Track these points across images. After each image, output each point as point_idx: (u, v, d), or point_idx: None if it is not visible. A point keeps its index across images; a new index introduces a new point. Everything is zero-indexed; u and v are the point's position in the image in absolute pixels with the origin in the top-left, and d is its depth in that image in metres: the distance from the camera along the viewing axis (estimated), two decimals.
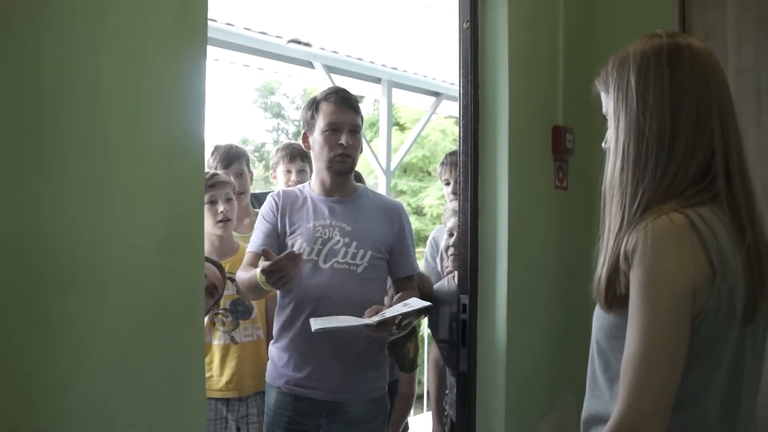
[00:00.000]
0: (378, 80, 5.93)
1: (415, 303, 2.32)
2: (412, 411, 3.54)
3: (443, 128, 12.14)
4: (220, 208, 2.81)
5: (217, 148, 3.26)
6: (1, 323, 1.36)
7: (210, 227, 2.81)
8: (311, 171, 3.42)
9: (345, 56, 5.41)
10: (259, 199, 3.82)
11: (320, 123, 2.48)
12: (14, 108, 1.37)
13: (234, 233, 3.02)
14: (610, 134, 1.42)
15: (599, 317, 1.39)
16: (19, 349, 1.38)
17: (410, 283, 2.62)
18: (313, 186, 2.60)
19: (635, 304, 1.26)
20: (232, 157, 3.17)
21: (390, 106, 6.05)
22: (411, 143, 6.97)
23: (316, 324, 2.23)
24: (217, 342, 2.77)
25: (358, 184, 2.68)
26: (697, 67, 1.34)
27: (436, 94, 6.53)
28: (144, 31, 1.57)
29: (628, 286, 1.28)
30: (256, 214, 3.28)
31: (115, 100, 1.52)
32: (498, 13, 2.70)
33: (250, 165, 3.38)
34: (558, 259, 2.99)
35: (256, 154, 16.06)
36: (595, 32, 3.19)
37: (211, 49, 4.26)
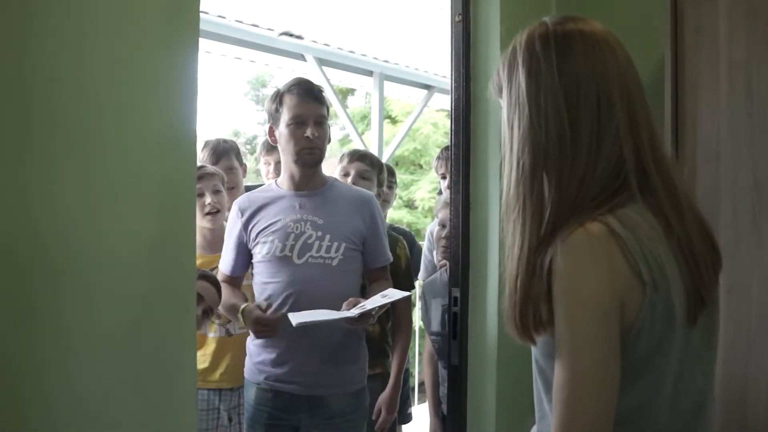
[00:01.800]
0: (370, 73, 5.93)
1: (394, 294, 2.32)
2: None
3: (435, 121, 12.13)
4: (208, 200, 2.78)
5: (206, 143, 3.25)
6: None
7: (199, 220, 2.79)
8: (237, 156, 3.41)
9: (337, 49, 5.40)
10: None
11: (285, 116, 2.44)
12: (5, 100, 1.36)
13: None
14: (505, 143, 1.25)
15: None
16: (9, 340, 1.37)
17: (384, 273, 2.62)
18: (281, 182, 2.57)
19: (560, 328, 1.13)
20: (220, 152, 3.15)
21: (382, 98, 6.05)
22: (403, 136, 6.97)
23: (296, 319, 2.21)
24: (212, 335, 2.77)
25: (328, 176, 2.65)
26: (592, 54, 1.21)
27: (428, 87, 6.53)
28: (136, 23, 1.56)
29: (549, 309, 1.15)
30: None
31: (107, 93, 1.51)
32: (490, 7, 2.69)
33: (242, 158, 3.36)
34: None
35: (248, 146, 16.00)
36: None
37: (202, 42, 4.24)
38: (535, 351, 1.26)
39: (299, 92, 2.44)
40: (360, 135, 6.30)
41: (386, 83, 6.10)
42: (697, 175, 2.40)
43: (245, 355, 2.78)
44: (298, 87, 2.45)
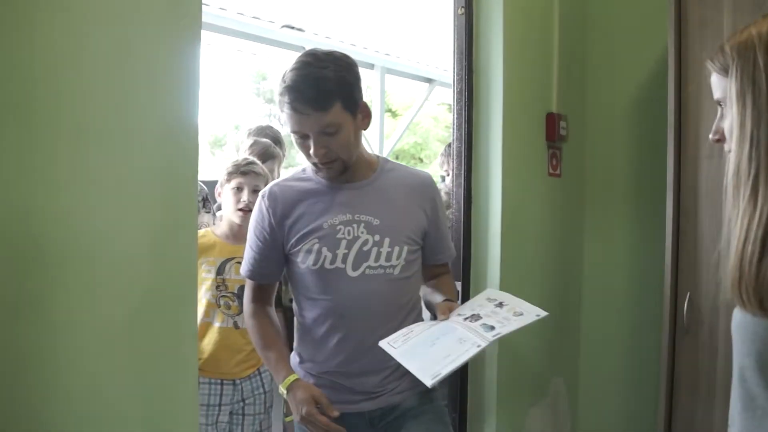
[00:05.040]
0: (371, 66, 5.91)
1: (528, 313, 1.84)
2: None
3: (435, 115, 12.14)
4: (244, 197, 2.78)
5: (256, 142, 3.26)
6: None
7: (230, 212, 2.82)
8: (278, 166, 3.37)
9: (338, 42, 5.39)
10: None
11: (286, 124, 1.94)
12: (5, 93, 1.36)
13: None
14: (734, 119, 1.34)
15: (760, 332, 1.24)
16: (10, 333, 1.37)
17: (447, 266, 2.22)
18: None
19: None
20: (267, 156, 3.18)
21: (383, 92, 6.03)
22: (404, 130, 6.96)
23: (428, 375, 1.70)
24: (219, 324, 2.76)
25: (373, 154, 2.12)
26: None
27: (429, 80, 6.52)
28: (138, 15, 1.55)
29: None
30: None
31: (109, 85, 1.50)
32: (493, 0, 2.68)
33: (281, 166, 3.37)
34: (550, 246, 3.00)
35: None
36: (589, 20, 3.18)
37: (203, 34, 4.24)
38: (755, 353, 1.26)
39: (292, 102, 1.84)
40: None
41: (387, 77, 6.09)
42: (700, 170, 2.39)
43: (250, 348, 2.76)
44: (288, 95, 1.85)
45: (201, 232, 2.81)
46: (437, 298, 2.05)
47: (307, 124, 1.87)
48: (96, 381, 1.50)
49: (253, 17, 4.71)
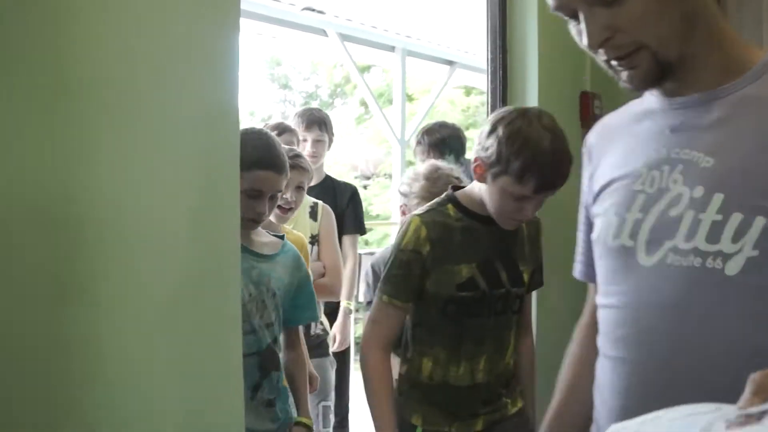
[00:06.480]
0: (392, 48, 5.87)
1: None
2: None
3: (452, 99, 12.08)
4: (287, 194, 2.48)
5: (307, 109, 3.26)
6: (35, 292, 1.34)
7: None
8: (329, 141, 3.34)
9: (359, 24, 5.36)
10: None
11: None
12: (44, 74, 1.34)
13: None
14: None
15: None
16: (54, 318, 1.36)
17: None
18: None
19: None
20: (315, 119, 3.18)
21: (404, 74, 5.99)
22: (425, 114, 6.91)
23: None
24: None
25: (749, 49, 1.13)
26: None
27: (450, 62, 6.47)
28: None
29: None
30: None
31: (149, 66, 1.48)
32: None
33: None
34: None
35: (263, 125, 15.96)
36: None
37: None
38: None
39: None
40: (381, 110, 6.26)
41: (408, 59, 6.05)
42: None
43: None
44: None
45: None
46: None
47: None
48: (137, 366, 1.48)
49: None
